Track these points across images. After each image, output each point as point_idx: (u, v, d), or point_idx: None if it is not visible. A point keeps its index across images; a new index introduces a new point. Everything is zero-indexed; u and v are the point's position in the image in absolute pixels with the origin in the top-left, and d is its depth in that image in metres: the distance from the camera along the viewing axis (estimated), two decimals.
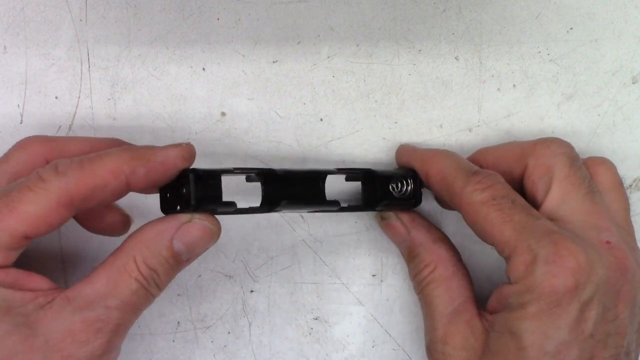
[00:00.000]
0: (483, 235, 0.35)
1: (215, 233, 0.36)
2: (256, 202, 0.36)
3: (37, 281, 0.34)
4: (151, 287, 0.34)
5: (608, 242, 0.34)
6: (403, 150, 0.41)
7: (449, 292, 0.37)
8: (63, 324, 0.32)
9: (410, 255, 0.39)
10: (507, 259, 0.34)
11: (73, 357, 0.33)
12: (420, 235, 0.39)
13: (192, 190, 0.34)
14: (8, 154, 0.37)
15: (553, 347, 0.32)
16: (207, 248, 0.36)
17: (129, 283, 0.34)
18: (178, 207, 0.35)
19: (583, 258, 0.32)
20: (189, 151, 0.35)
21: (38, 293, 0.33)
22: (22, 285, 0.34)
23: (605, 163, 0.39)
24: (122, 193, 0.34)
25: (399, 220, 0.40)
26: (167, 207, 0.36)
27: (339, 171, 0.39)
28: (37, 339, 0.32)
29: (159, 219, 0.35)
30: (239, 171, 0.36)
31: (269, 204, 0.36)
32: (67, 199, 0.33)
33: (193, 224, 0.35)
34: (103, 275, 0.34)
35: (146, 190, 0.35)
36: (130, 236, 0.35)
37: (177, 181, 0.35)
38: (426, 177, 0.38)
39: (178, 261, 0.35)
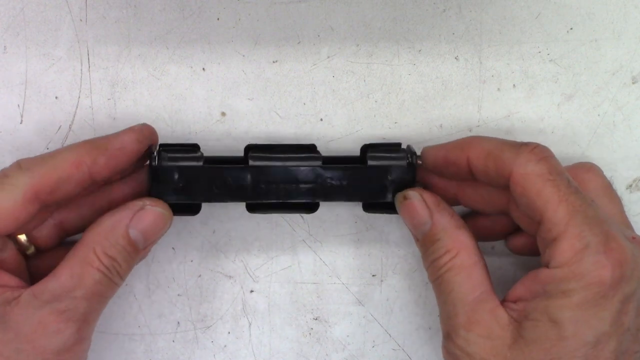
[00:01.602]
0: (531, 209, 0.34)
1: (167, 218, 0.37)
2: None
3: (5, 279, 0.35)
4: (113, 276, 0.35)
5: (634, 238, 0.35)
6: (433, 151, 0.39)
7: (470, 281, 0.35)
8: (32, 317, 0.33)
9: (429, 240, 0.37)
10: (553, 240, 0.33)
11: (45, 348, 0.33)
12: (444, 220, 0.37)
13: (153, 166, 0.37)
14: None
15: (593, 337, 0.32)
16: (161, 235, 0.37)
17: (92, 273, 0.34)
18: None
19: (629, 252, 0.33)
20: (143, 132, 0.37)
21: (5, 289, 0.34)
22: None
23: (592, 169, 0.39)
24: (85, 184, 0.36)
25: (423, 201, 0.37)
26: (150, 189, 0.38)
27: (325, 159, 0.38)
28: (7, 333, 0.33)
29: (114, 210, 0.36)
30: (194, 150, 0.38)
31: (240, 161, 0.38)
32: (33, 193, 0.34)
33: (145, 211, 0.36)
34: (66, 269, 0.34)
35: (110, 178, 0.37)
36: (88, 229, 0.36)
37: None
38: (466, 162, 0.37)
39: (135, 249, 0.36)
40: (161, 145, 0.38)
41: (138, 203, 0.36)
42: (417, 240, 0.38)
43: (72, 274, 0.34)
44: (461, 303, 0.35)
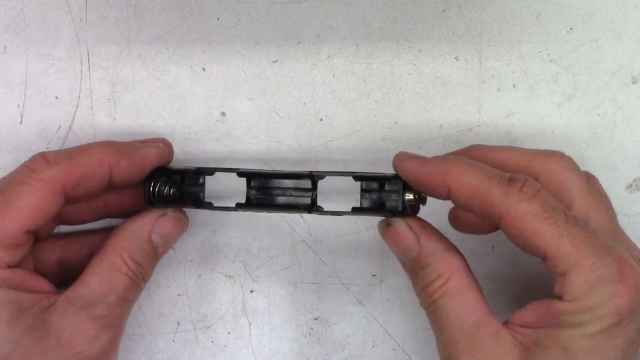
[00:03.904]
0: (531, 248, 0.33)
1: (185, 224, 0.38)
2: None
3: (41, 283, 0.35)
4: (140, 281, 0.36)
5: None
6: (408, 164, 0.36)
7: (466, 305, 0.34)
8: (70, 323, 0.33)
9: (418, 266, 0.35)
10: (562, 274, 0.32)
11: (85, 353, 0.34)
12: (432, 244, 0.35)
13: (154, 189, 0.37)
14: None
15: None
16: (177, 240, 0.38)
17: (122, 279, 0.35)
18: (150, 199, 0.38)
19: None
20: (165, 153, 0.38)
21: (42, 295, 0.34)
22: (29, 287, 0.35)
23: (570, 167, 0.37)
24: (104, 183, 0.36)
25: (408, 227, 0.36)
26: (146, 199, 0.38)
27: (314, 175, 0.37)
28: (49, 340, 0.33)
29: (136, 216, 0.37)
30: (207, 171, 0.37)
31: (244, 204, 0.37)
32: (60, 186, 0.34)
33: (167, 217, 0.37)
34: (94, 276, 0.35)
35: (124, 184, 0.37)
36: (111, 235, 0.36)
37: (150, 178, 0.38)
38: (447, 192, 0.34)
39: (157, 254, 0.37)
40: (157, 173, 0.38)
41: (160, 209, 0.37)
42: (404, 265, 0.37)
43: (101, 280, 0.35)
44: (460, 329, 0.33)
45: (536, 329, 0.33)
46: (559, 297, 0.32)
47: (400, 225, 0.36)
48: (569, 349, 0.31)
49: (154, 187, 0.37)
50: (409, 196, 0.36)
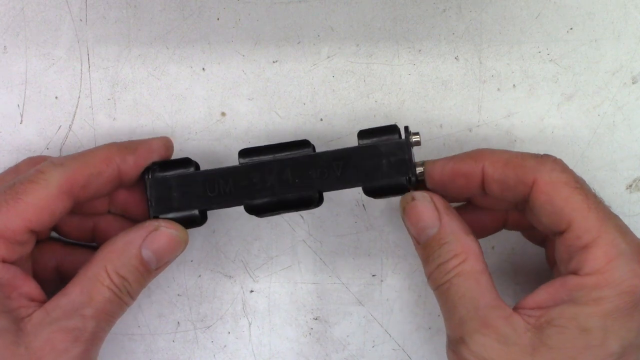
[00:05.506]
0: (556, 217, 0.33)
1: (182, 240, 0.37)
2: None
3: (31, 285, 0.35)
4: (123, 295, 0.35)
5: None
6: (439, 164, 0.37)
7: (480, 287, 0.34)
8: (42, 333, 0.33)
9: (436, 243, 0.35)
10: (583, 248, 0.32)
11: None
12: (453, 224, 0.35)
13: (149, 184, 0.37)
14: (18, 165, 0.39)
15: (620, 348, 0.31)
16: (176, 256, 0.37)
17: (102, 291, 0.35)
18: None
19: None
20: (170, 142, 0.39)
21: (25, 302, 0.34)
22: (16, 286, 0.34)
23: (566, 176, 0.38)
24: (114, 183, 0.36)
25: (433, 203, 0.36)
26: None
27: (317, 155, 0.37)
28: (19, 348, 0.33)
29: (128, 230, 0.36)
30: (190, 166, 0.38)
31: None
32: (67, 186, 0.35)
33: (160, 232, 0.36)
34: (77, 286, 0.35)
35: (135, 180, 0.37)
36: (100, 247, 0.36)
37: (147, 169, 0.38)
38: (481, 172, 0.35)
39: (147, 269, 0.36)
40: (154, 163, 0.38)
41: (153, 223, 0.37)
42: (417, 243, 0.37)
43: (82, 291, 0.34)
44: (473, 308, 0.34)
45: (548, 308, 0.33)
46: (575, 274, 0.32)
47: (426, 200, 0.36)
48: (585, 328, 0.31)
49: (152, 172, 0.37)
50: (416, 138, 0.37)
